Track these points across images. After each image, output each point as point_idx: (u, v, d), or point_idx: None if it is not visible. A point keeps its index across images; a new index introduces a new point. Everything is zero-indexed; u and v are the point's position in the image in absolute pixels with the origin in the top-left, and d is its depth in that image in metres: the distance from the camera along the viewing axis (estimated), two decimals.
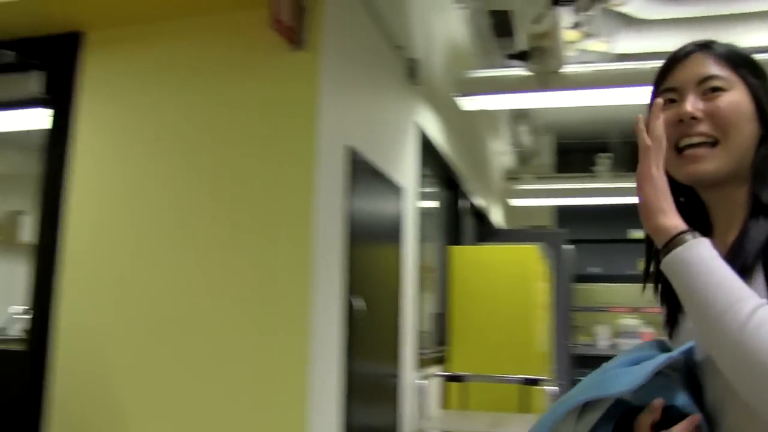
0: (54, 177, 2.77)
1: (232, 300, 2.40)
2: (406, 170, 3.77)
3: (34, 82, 2.86)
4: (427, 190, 4.63)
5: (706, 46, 1.05)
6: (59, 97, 2.87)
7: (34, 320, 2.73)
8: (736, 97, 1.00)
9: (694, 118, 0.99)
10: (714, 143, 0.99)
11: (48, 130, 2.88)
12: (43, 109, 2.94)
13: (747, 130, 0.99)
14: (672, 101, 1.04)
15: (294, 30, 2.58)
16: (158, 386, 2.44)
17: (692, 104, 1.00)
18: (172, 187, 2.58)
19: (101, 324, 2.57)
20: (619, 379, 0.97)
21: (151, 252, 2.53)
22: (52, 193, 2.75)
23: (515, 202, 8.67)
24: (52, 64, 2.90)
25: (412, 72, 3.86)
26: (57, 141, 2.81)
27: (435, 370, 4.31)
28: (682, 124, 1.01)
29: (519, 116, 7.87)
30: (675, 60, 1.07)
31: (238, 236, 2.45)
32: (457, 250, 4.94)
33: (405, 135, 3.83)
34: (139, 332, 2.49)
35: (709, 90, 1.01)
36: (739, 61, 1.03)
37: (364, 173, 2.99)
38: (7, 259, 5.63)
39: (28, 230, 5.49)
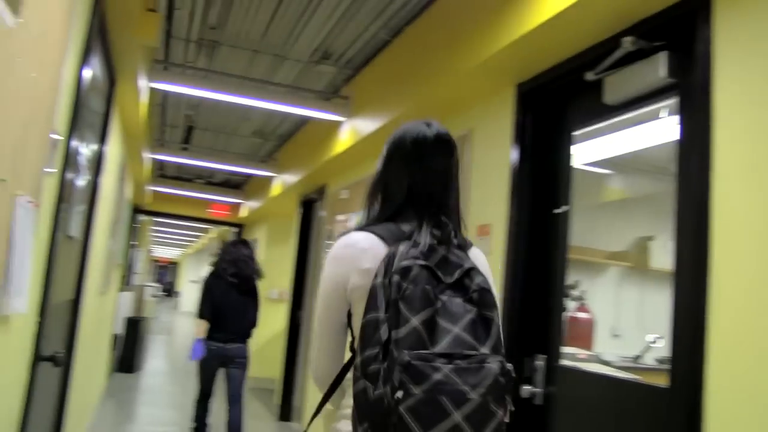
0: (692, 187, 1.99)
1: None
2: None
3: (653, 72, 2.18)
4: None
5: None
6: (687, 84, 2.10)
7: (676, 355, 2.08)
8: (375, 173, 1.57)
9: None
10: None
11: (679, 129, 2.13)
12: (665, 101, 2.23)
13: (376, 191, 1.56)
14: None
15: None
16: None
17: None
18: None
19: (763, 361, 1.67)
20: None
21: None
22: (691, 209, 1.97)
23: None
24: (674, 43, 2.17)
25: None
26: (691, 144, 2.03)
27: None
28: None
29: None
30: None
31: None
32: None
33: None
34: None
35: None
36: (387, 143, 1.56)
37: None
38: (638, 286, 5.25)
39: (657, 256, 4.97)
